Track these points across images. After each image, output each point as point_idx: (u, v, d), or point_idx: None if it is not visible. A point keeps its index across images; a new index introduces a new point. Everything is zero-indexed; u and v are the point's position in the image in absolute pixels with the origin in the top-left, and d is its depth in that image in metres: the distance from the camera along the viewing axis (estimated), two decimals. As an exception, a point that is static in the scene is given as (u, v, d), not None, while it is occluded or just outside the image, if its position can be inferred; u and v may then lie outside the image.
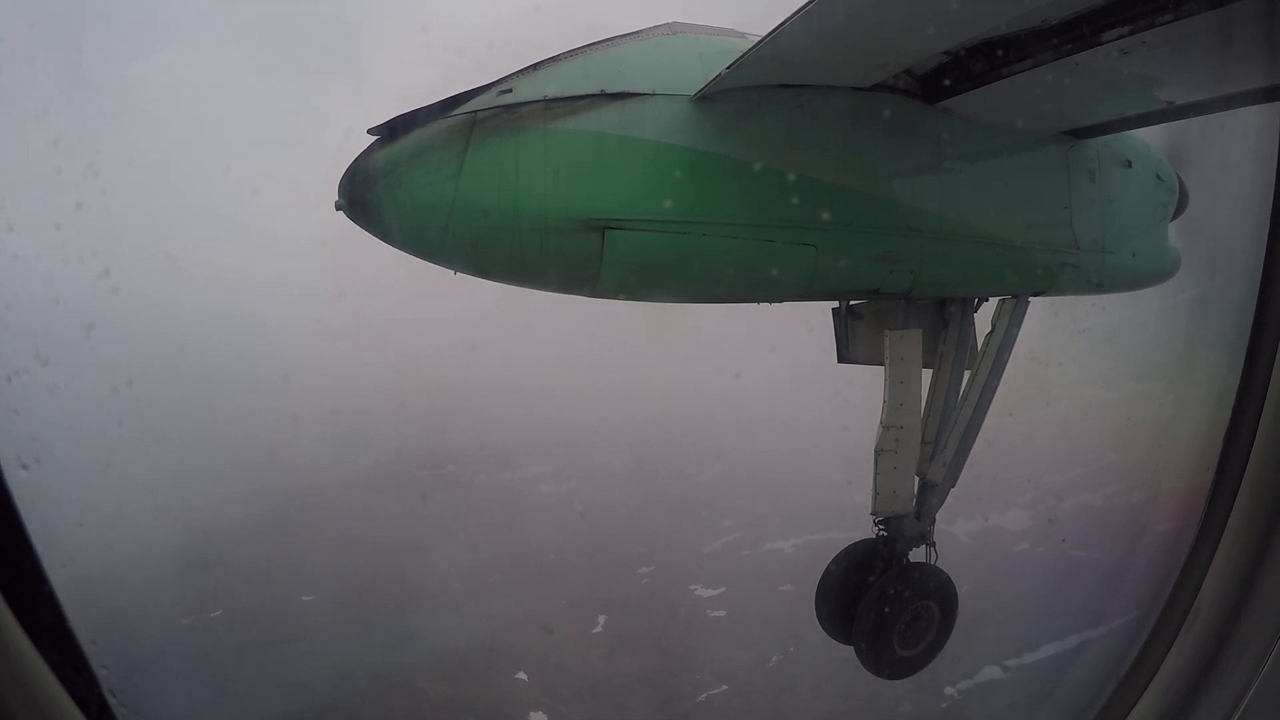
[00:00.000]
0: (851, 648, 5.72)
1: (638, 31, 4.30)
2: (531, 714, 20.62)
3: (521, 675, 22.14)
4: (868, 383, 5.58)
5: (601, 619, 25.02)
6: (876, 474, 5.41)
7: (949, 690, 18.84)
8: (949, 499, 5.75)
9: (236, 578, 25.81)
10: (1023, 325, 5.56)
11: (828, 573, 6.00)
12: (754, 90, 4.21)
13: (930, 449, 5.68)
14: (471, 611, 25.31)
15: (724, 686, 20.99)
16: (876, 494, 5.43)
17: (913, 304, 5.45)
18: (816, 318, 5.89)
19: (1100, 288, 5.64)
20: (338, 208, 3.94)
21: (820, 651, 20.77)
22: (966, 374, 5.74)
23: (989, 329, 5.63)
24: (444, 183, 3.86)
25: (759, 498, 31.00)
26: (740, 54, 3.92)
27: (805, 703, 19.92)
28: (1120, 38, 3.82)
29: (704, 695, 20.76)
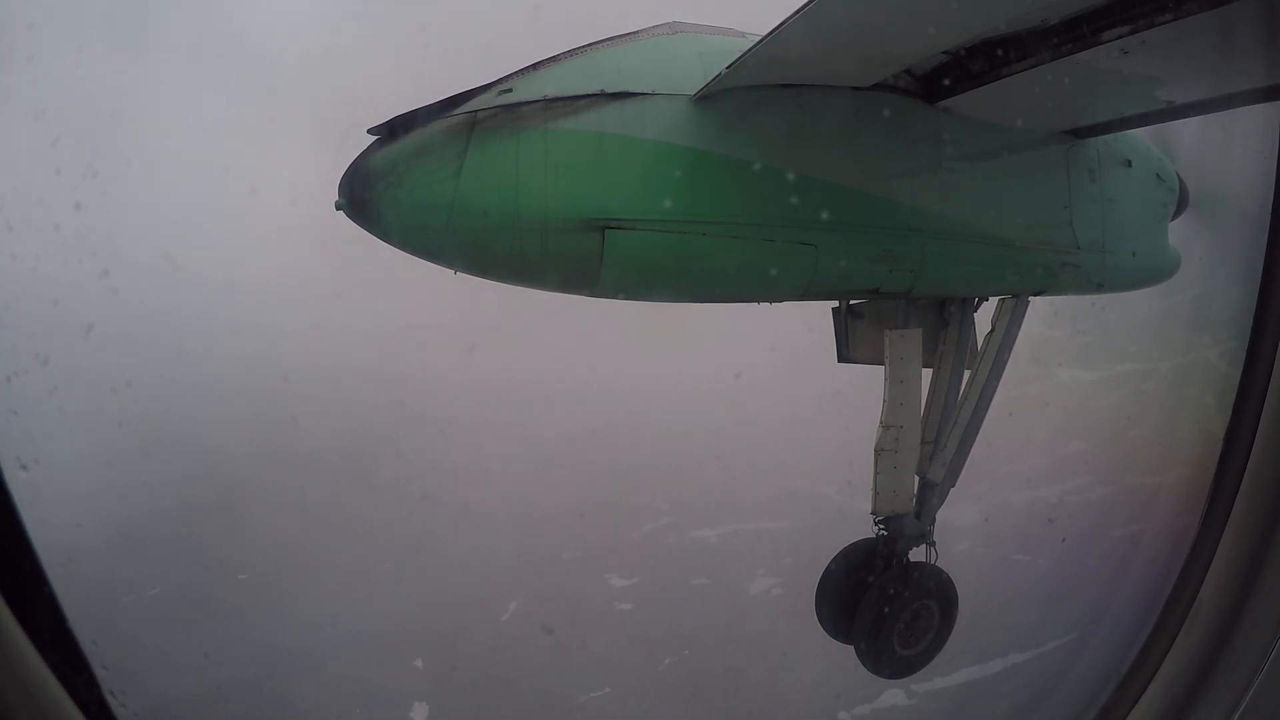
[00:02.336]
0: (851, 647, 5.72)
1: (638, 31, 4.30)
2: (415, 704, 20.50)
3: (418, 663, 21.92)
4: (868, 381, 5.59)
5: (512, 605, 24.68)
6: (876, 473, 5.42)
7: (843, 715, 18.19)
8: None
9: (237, 576, 25.80)
10: (1023, 325, 5.57)
11: (828, 572, 6.00)
12: (754, 90, 4.21)
13: (930, 448, 5.69)
14: (394, 592, 25.08)
15: (607, 689, 20.51)
16: (876, 493, 5.44)
17: (913, 303, 5.45)
18: (816, 318, 5.90)
19: (1100, 287, 5.64)
20: (338, 208, 3.94)
21: (714, 657, 20.22)
22: (966, 373, 5.75)
23: (989, 329, 5.64)
24: (444, 182, 3.86)
25: (706, 485, 30.21)
26: (740, 54, 3.92)
27: (683, 713, 19.59)
28: (1120, 37, 3.82)
29: (585, 697, 20.34)
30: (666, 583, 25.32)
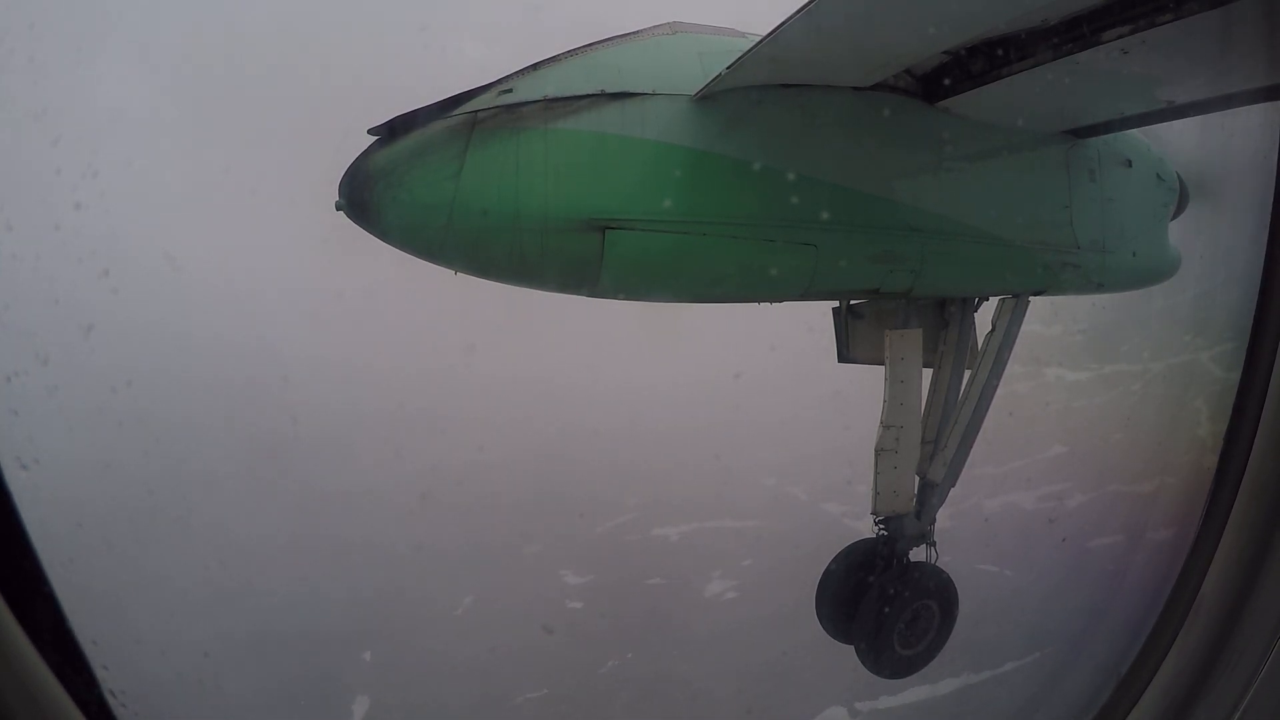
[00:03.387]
0: (852, 647, 5.72)
1: (638, 31, 4.30)
2: (358, 697, 20.66)
3: (367, 655, 22.03)
4: (867, 381, 5.59)
5: (467, 600, 24.62)
6: (877, 473, 5.42)
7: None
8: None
9: (236, 577, 25.81)
10: (1023, 325, 5.57)
11: (828, 572, 6.00)
12: (754, 90, 4.20)
13: (930, 448, 5.69)
14: (354, 582, 25.00)
15: (545, 690, 20.36)
16: (877, 493, 5.44)
17: (913, 303, 5.45)
18: (816, 318, 5.91)
19: (1100, 287, 5.64)
20: (338, 208, 3.94)
21: (656, 663, 20.04)
22: (967, 373, 5.75)
23: (989, 328, 5.64)
24: (444, 183, 3.86)
25: (679, 481, 29.74)
26: (740, 54, 3.92)
27: (611, 720, 19.55)
28: (1120, 37, 3.82)
29: (522, 698, 20.25)
30: (621, 582, 25.08)
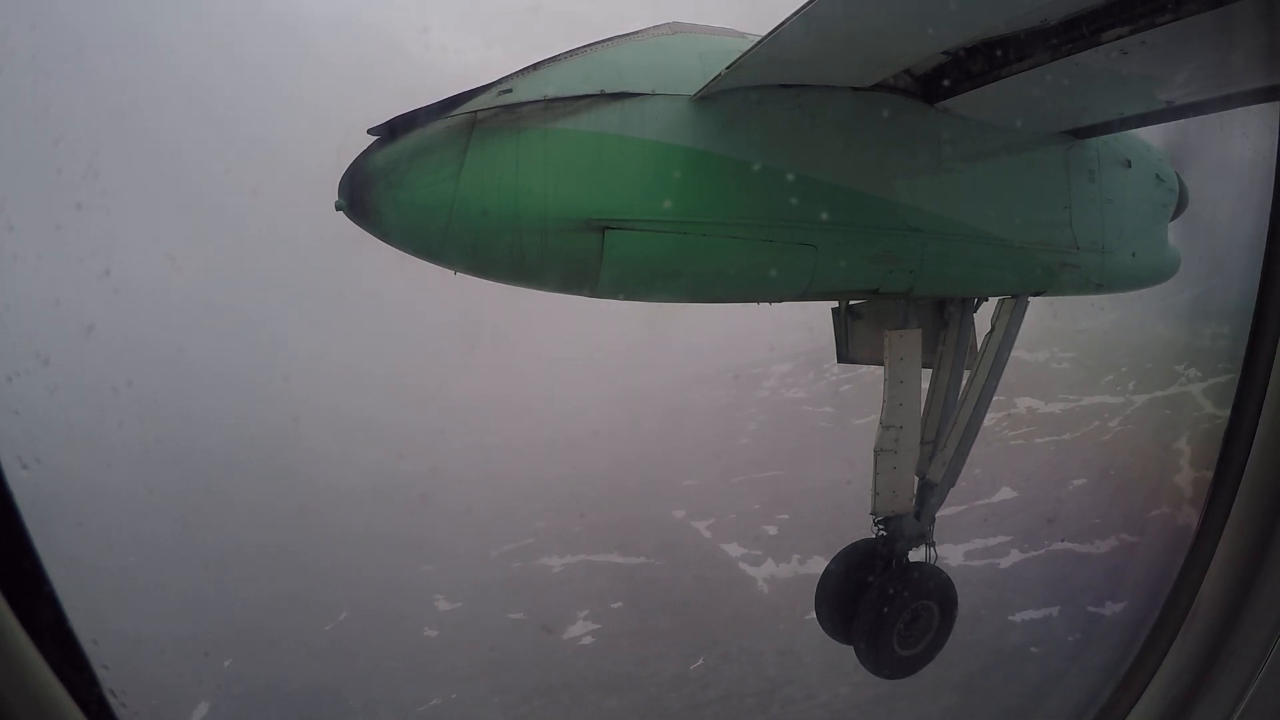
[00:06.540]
0: (851, 648, 5.72)
1: (638, 31, 4.30)
2: (200, 704, 20.79)
3: (227, 662, 22.20)
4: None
5: (342, 615, 24.69)
6: (876, 474, 5.42)
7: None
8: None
9: (233, 577, 25.82)
10: (1022, 325, 5.58)
11: (827, 572, 6.01)
12: (754, 90, 4.21)
13: (930, 448, 5.69)
14: (246, 590, 25.30)
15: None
16: (876, 494, 5.44)
17: (912, 304, 5.45)
18: (816, 318, 5.90)
19: (1100, 288, 5.64)
20: (338, 208, 3.94)
21: (478, 708, 19.47)
22: (966, 373, 5.76)
23: (989, 329, 5.64)
24: (444, 183, 3.85)
25: (590, 505, 28.85)
26: (740, 54, 3.92)
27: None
28: (1120, 38, 3.82)
29: None
30: (483, 614, 24.55)
